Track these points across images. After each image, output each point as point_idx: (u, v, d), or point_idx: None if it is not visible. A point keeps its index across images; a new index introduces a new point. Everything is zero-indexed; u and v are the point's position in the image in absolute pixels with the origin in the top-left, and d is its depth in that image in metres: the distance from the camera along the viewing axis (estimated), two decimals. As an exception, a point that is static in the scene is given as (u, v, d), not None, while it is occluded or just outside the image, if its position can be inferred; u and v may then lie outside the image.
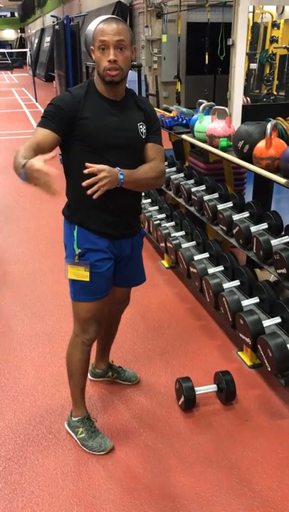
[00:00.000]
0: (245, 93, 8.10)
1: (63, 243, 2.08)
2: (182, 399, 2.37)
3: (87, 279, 1.98)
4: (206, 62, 9.50)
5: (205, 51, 9.46)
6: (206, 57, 9.45)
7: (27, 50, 24.02)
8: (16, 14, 45.64)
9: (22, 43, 39.18)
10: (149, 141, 2.00)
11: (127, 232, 2.06)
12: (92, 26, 6.66)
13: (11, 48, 38.00)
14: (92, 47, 1.86)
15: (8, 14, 48.30)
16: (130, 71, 7.24)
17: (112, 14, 11.35)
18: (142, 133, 1.96)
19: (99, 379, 2.60)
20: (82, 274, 1.97)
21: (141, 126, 1.96)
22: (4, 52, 28.09)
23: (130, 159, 1.93)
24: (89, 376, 2.55)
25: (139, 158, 1.98)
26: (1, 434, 2.27)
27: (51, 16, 8.12)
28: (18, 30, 43.04)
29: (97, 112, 1.87)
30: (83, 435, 2.19)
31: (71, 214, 2.00)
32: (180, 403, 2.40)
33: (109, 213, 1.97)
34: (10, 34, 45.78)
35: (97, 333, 2.19)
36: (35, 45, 26.71)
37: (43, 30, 25.99)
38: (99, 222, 1.96)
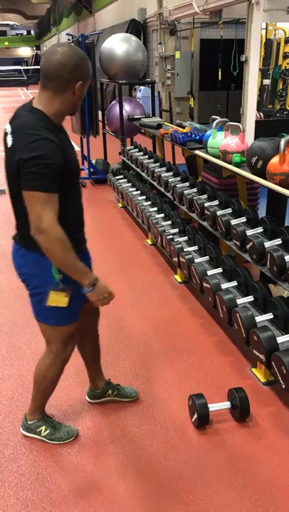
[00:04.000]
0: (258, 108, 8.13)
1: (23, 274, 2.02)
2: (195, 416, 2.35)
3: (65, 305, 1.97)
4: (219, 78, 9.57)
5: (218, 67, 9.54)
6: (219, 73, 9.53)
7: (42, 66, 24.40)
8: (32, 32, 46.59)
9: (37, 59, 39.87)
10: None
11: (86, 245, 2.15)
12: (107, 44, 6.77)
13: (27, 65, 38.71)
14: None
15: (25, 32, 49.32)
16: (144, 87, 7.49)
17: (126, 31, 11.53)
18: None
19: (99, 400, 2.54)
20: (62, 301, 1.97)
21: None
22: (20, 69, 28.60)
23: None
24: (88, 399, 2.56)
25: None
26: (13, 449, 2.26)
27: (66, 34, 8.26)
28: (34, 48, 43.87)
29: (70, 148, 1.92)
30: (48, 431, 2.26)
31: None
32: (193, 420, 2.38)
33: (80, 232, 2.06)
34: (26, 51, 46.68)
35: (74, 343, 2.23)
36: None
37: (58, 48, 26.42)
38: (75, 243, 1.93)
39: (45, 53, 1.87)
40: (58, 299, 1.96)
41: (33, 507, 1.96)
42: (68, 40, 7.27)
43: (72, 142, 2.02)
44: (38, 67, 30.18)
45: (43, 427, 2.27)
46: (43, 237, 1.77)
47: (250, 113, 7.60)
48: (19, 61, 40.43)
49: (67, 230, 1.86)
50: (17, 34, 49.58)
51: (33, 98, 1.90)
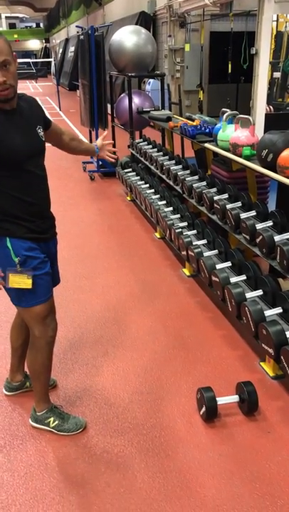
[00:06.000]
0: (268, 102, 8.06)
1: None
2: (203, 409, 2.35)
3: (30, 287, 2.02)
4: (229, 71, 9.51)
5: (228, 60, 9.48)
6: (229, 66, 9.46)
7: (51, 59, 24.41)
8: (42, 25, 46.51)
9: (46, 52, 39.86)
10: (51, 127, 2.21)
11: (53, 232, 2.22)
12: (116, 36, 6.74)
13: (36, 58, 38.69)
14: None
15: (34, 25, 49.26)
16: (153, 80, 7.49)
17: (136, 24, 11.47)
18: (41, 137, 2.07)
19: (16, 392, 2.57)
20: (25, 282, 2.01)
21: (39, 131, 2.06)
22: (29, 62, 28.60)
23: (40, 165, 2.08)
24: (4, 391, 2.57)
25: (43, 160, 2.12)
26: (22, 440, 2.28)
27: (76, 26, 8.22)
28: (43, 41, 43.82)
29: (5, 129, 1.91)
30: (57, 422, 2.28)
31: None
32: (201, 413, 2.38)
33: (35, 222, 2.06)
34: (35, 44, 46.64)
35: (56, 324, 2.24)
36: (59, 55, 27.13)
37: (67, 40, 26.39)
38: (30, 229, 2.04)
39: None
40: (20, 281, 2.01)
41: (42, 497, 1.98)
42: (78, 32, 7.25)
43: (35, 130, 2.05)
44: (47, 60, 30.23)
45: (52, 419, 2.30)
46: None
47: (260, 106, 7.54)
48: (28, 54, 40.40)
49: (10, 214, 1.97)
50: (26, 27, 49.54)
51: None
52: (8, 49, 1.84)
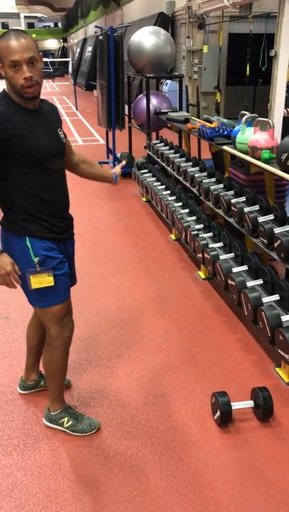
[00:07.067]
0: (286, 105, 8.00)
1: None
2: (218, 413, 2.33)
3: (52, 284, 2.03)
4: (247, 73, 9.46)
5: (246, 62, 9.43)
6: (247, 68, 9.42)
7: (69, 59, 24.52)
8: (60, 24, 46.79)
9: (64, 52, 40.07)
10: (66, 142, 2.16)
11: (71, 233, 2.23)
12: (135, 37, 6.74)
13: (53, 57, 38.91)
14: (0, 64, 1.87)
15: (52, 24, 49.58)
16: (170, 81, 7.48)
17: (154, 25, 11.46)
18: (62, 138, 2.10)
19: (31, 391, 2.57)
20: (47, 280, 2.02)
21: (60, 133, 2.09)
22: (47, 62, 28.77)
23: (60, 165, 2.10)
24: (19, 390, 2.58)
25: (63, 161, 2.14)
26: (36, 439, 2.28)
27: (95, 26, 8.25)
28: (61, 40, 44.06)
29: (29, 127, 1.93)
30: (71, 422, 2.29)
31: (17, 226, 2.01)
32: (216, 418, 2.37)
33: (57, 218, 2.08)
34: (53, 44, 46.93)
35: (73, 324, 2.26)
36: (76, 55, 27.24)
37: (85, 40, 26.48)
38: (49, 229, 2.05)
39: None
40: (41, 281, 2.02)
41: (55, 497, 1.98)
42: (95, 32, 7.26)
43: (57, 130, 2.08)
44: (65, 59, 30.36)
45: (66, 419, 2.30)
46: None
47: (278, 109, 7.49)
48: (46, 53, 40.68)
49: (30, 214, 1.98)
50: (44, 26, 49.87)
51: None
52: (35, 47, 1.89)
